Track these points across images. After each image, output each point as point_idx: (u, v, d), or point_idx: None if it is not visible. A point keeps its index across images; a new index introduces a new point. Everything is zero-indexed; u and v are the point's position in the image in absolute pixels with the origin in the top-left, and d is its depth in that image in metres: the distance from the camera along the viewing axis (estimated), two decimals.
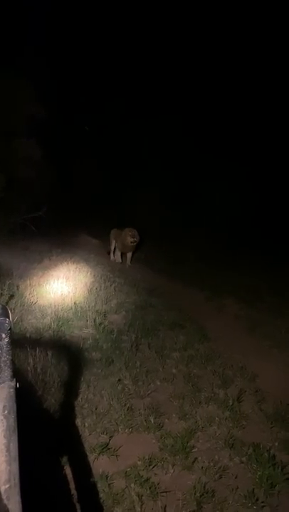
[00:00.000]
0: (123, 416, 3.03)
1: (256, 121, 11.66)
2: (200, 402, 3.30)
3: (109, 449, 2.70)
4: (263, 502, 2.32)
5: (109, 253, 8.70)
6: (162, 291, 6.34)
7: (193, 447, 2.76)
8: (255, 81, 11.74)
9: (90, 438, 2.80)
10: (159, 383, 3.59)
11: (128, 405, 3.17)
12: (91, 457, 2.62)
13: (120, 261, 8.33)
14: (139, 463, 2.58)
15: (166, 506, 2.27)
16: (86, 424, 2.92)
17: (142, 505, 2.26)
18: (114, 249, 8.46)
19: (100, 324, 4.60)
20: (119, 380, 3.55)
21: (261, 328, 5.02)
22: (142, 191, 12.14)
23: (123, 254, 8.29)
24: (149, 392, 3.42)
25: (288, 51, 11.12)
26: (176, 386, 3.55)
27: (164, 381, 3.62)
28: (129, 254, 8.25)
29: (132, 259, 8.27)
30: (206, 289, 6.45)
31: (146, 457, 2.61)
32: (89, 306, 5.11)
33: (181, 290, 6.55)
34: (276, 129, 11.48)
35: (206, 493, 2.35)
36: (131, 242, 7.77)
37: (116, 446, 2.74)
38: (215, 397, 3.38)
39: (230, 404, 3.26)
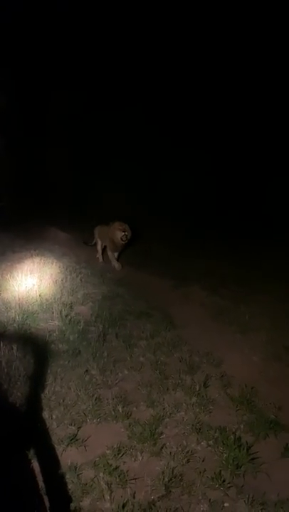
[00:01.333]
0: (91, 406, 3.02)
1: (217, 109, 11.71)
2: (167, 389, 3.34)
3: (77, 440, 2.69)
4: (229, 483, 2.39)
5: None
6: (129, 281, 6.34)
7: (162, 434, 2.80)
8: (213, 67, 11.75)
9: (58, 430, 2.78)
10: (126, 372, 3.60)
11: (96, 395, 3.17)
12: (59, 449, 2.61)
13: (117, 265, 7.05)
14: (108, 452, 2.59)
15: (135, 493, 2.29)
16: (54, 416, 2.90)
17: (111, 493, 2.27)
18: (103, 249, 7.47)
19: (67, 316, 4.54)
20: (86, 370, 3.54)
21: (226, 314, 5.11)
22: (105, 181, 12.06)
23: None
24: (116, 381, 3.43)
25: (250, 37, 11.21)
26: (143, 374, 3.57)
27: (132, 370, 3.63)
28: (115, 254, 7.21)
29: (118, 259, 7.26)
30: (172, 278, 6.48)
31: (115, 446, 2.63)
32: (55, 298, 5.04)
33: (148, 279, 6.56)
34: (236, 115, 11.57)
35: (175, 477, 2.39)
36: (122, 239, 6.71)
37: (84, 436, 2.73)
38: (182, 384, 3.43)
39: (197, 389, 3.31)
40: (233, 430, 2.84)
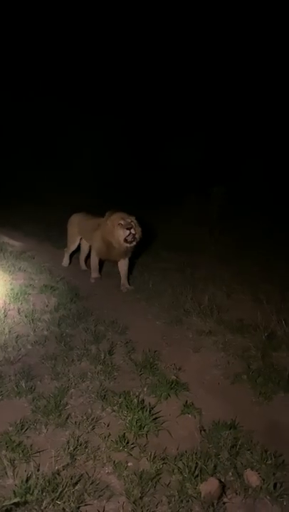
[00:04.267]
0: None
1: (129, 74, 11.57)
2: (72, 360, 3.33)
3: None
4: (133, 443, 2.47)
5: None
6: (32, 255, 6.11)
7: (67, 404, 2.80)
8: (114, 34, 11.54)
9: None
10: (30, 347, 3.51)
11: None
12: None
13: (98, 276, 5.12)
14: (11, 429, 2.52)
15: (39, 465, 2.27)
16: None
17: (14, 469, 2.22)
18: (81, 251, 5.60)
19: None
20: None
21: (131, 282, 5.20)
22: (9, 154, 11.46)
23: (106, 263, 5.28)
24: (19, 357, 3.33)
25: None
26: (48, 348, 3.52)
27: (36, 344, 3.55)
28: (122, 265, 4.94)
29: (129, 277, 5.11)
30: (77, 250, 6.39)
31: (18, 422, 2.56)
32: None
33: (52, 252, 6.38)
34: (149, 81, 11.55)
35: (80, 445, 2.41)
36: (127, 241, 4.45)
37: None
38: (87, 354, 3.44)
39: (102, 358, 3.36)
40: (137, 394, 2.94)
